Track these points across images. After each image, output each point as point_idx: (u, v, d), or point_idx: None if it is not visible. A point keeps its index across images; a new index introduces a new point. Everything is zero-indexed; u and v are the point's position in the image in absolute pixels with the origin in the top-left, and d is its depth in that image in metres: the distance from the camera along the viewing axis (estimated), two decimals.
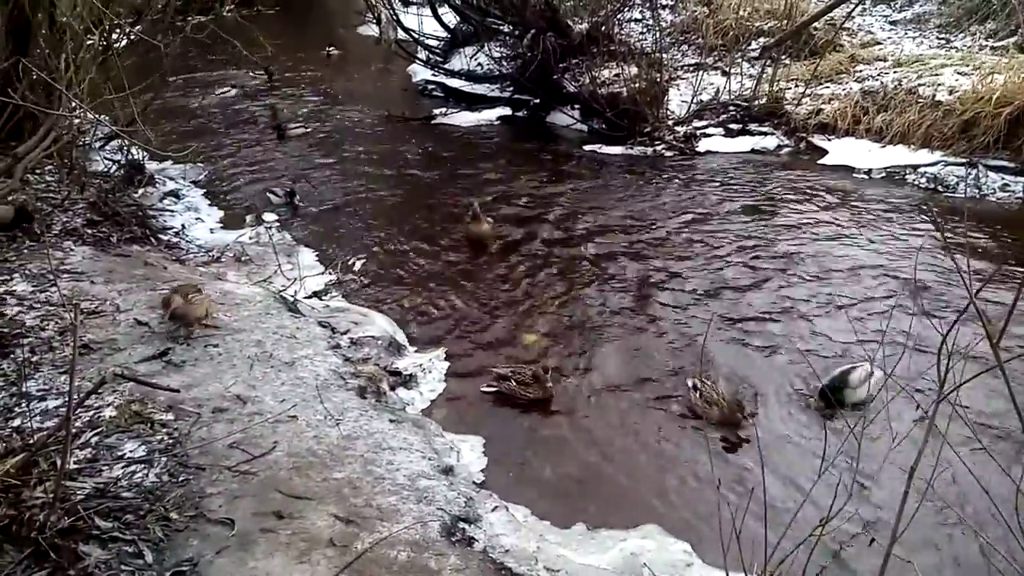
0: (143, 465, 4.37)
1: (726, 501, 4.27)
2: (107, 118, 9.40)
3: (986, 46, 13.08)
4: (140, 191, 9.82)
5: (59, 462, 3.91)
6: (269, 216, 9.64)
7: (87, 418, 4.72)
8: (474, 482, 5.03)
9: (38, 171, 8.78)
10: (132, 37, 10.01)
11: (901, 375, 5.78)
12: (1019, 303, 2.80)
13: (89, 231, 7.85)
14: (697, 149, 12.07)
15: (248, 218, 9.62)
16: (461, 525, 4.37)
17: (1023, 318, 6.53)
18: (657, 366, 6.51)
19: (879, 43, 14.25)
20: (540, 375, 5.94)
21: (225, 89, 15.98)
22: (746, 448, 5.49)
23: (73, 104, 7.41)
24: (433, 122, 14.27)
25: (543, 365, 6.06)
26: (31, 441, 4.32)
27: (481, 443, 5.53)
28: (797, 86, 12.67)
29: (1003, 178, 9.90)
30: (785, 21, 14.14)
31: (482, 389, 6.14)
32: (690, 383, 5.96)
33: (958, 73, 11.36)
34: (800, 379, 6.18)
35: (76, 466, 4.26)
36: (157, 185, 10.32)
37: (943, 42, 13.85)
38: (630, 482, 5.24)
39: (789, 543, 3.57)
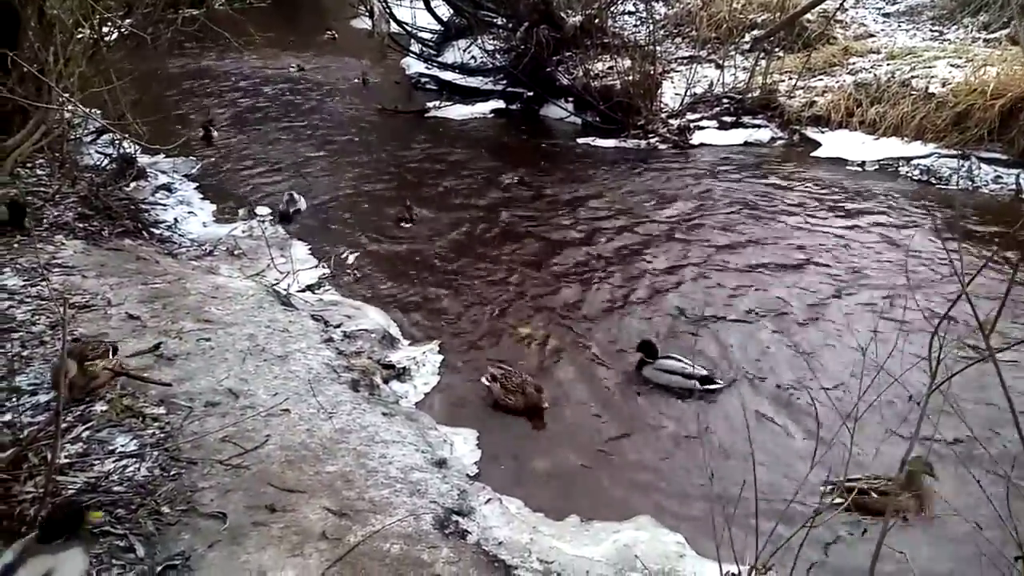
0: (134, 459, 4.35)
1: (719, 493, 4.28)
2: (98, 111, 9.34)
3: (979, 38, 13.11)
4: (132, 185, 9.75)
5: (50, 456, 3.90)
6: (262, 210, 9.60)
7: (78, 412, 4.70)
8: (467, 475, 5.02)
9: (29, 165, 8.73)
10: (123, 30, 9.94)
11: (892, 366, 5.82)
12: (1011, 294, 2.79)
13: (80, 225, 7.81)
14: (691, 142, 12.08)
15: (241, 212, 9.58)
16: (454, 518, 4.37)
17: (1015, 308, 6.58)
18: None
19: (872, 35, 14.27)
20: (527, 388, 5.74)
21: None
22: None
23: (63, 97, 7.36)
24: (426, 115, 14.23)
25: (537, 384, 5.80)
26: (21, 436, 4.30)
27: (475, 436, 5.52)
28: (790, 78, 12.67)
29: (996, 170, 9.93)
30: (778, 13, 14.13)
31: (482, 380, 6.06)
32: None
33: (951, 65, 11.38)
34: (797, 371, 6.19)
35: (67, 460, 4.24)
36: (149, 179, 10.26)
37: (936, 34, 13.88)
38: (623, 473, 5.25)
39: (782, 532, 3.58)
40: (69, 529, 3.17)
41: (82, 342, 5.00)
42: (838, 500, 4.41)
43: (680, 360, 6.09)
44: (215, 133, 12.28)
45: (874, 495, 4.68)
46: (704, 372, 6.06)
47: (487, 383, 5.97)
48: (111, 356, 4.94)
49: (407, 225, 9.22)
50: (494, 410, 5.88)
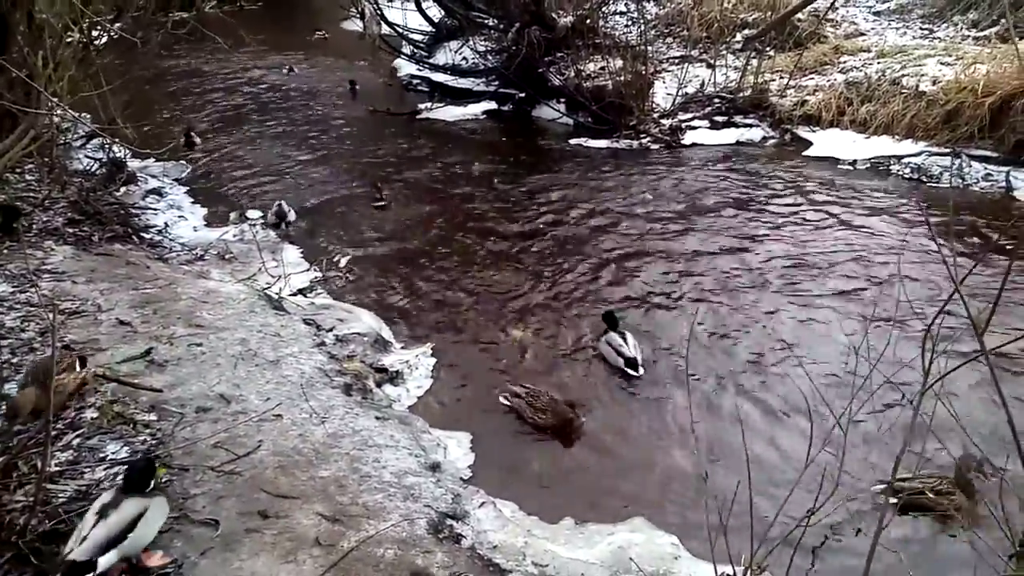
0: (126, 466, 4.32)
1: (713, 495, 4.27)
2: (87, 116, 9.29)
3: (968, 36, 13.16)
4: (122, 189, 9.72)
5: (40, 464, 3.86)
6: (253, 213, 9.56)
7: (68, 419, 4.66)
8: (461, 478, 5.01)
9: (18, 170, 8.67)
10: (112, 34, 9.88)
11: (885, 365, 5.82)
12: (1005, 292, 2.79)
13: (70, 230, 7.77)
14: (683, 141, 12.09)
15: (232, 215, 9.54)
16: (448, 522, 4.35)
17: (1007, 307, 6.59)
18: (645, 359, 6.51)
19: (863, 34, 14.31)
20: (557, 406, 5.58)
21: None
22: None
23: (52, 102, 7.31)
24: (418, 117, 14.21)
25: (568, 400, 5.67)
26: (11, 444, 4.26)
27: (468, 439, 5.50)
28: (781, 78, 12.69)
29: (986, 167, 9.96)
30: (769, 13, 14.15)
31: (500, 400, 5.91)
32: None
33: (941, 63, 11.42)
34: (789, 371, 6.19)
35: (57, 468, 4.21)
36: (139, 183, 10.22)
37: (926, 33, 13.93)
38: (617, 475, 5.24)
39: (776, 533, 3.57)
40: (148, 479, 3.59)
41: (44, 358, 4.73)
42: (892, 500, 4.43)
43: (624, 338, 6.35)
44: (197, 140, 12.15)
45: (930, 495, 4.68)
46: (631, 355, 6.24)
47: (507, 403, 5.82)
48: (79, 369, 4.76)
49: (381, 203, 9.71)
50: (523, 425, 5.77)
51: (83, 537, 3.35)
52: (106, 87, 7.80)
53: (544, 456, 5.45)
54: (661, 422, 5.78)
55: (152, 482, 3.60)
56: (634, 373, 6.21)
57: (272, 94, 15.57)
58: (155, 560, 3.66)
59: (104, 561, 3.34)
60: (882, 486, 4.79)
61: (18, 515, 3.72)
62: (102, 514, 3.42)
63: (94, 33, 9.64)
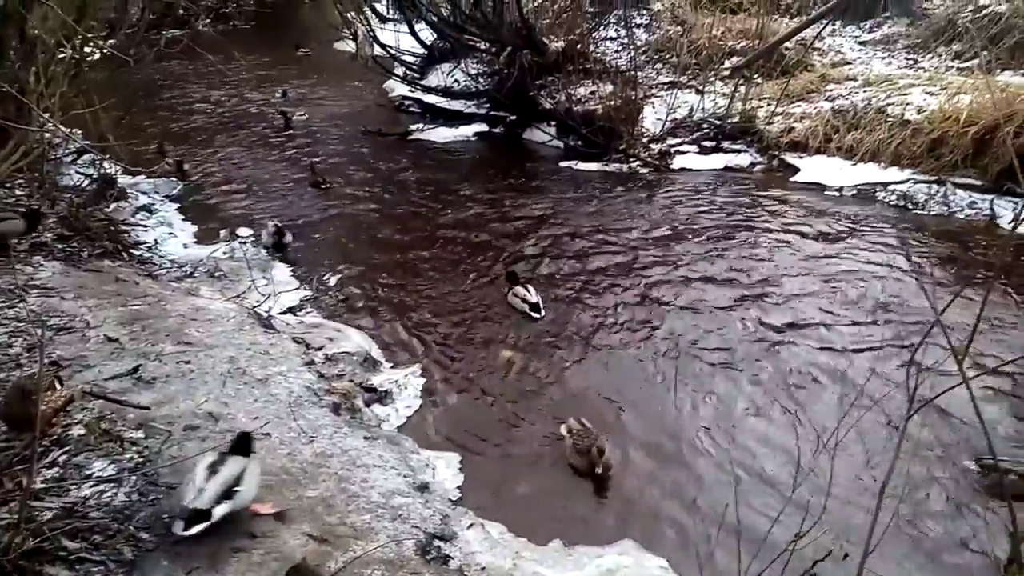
0: (112, 484, 4.28)
1: (702, 518, 4.29)
2: (78, 132, 9.29)
3: (952, 67, 13.39)
4: (112, 206, 9.71)
5: (24, 482, 3.83)
6: (243, 231, 9.56)
7: (55, 436, 4.63)
8: (450, 499, 4.99)
9: (7, 185, 8.64)
10: (105, 51, 9.92)
11: (871, 391, 5.88)
12: (994, 318, 2.84)
13: (59, 246, 7.75)
14: (671, 166, 12.21)
15: (222, 233, 9.53)
16: (436, 543, 4.34)
17: (990, 333, 6.67)
18: (630, 379, 6.54)
19: (849, 63, 14.54)
20: (592, 449, 5.29)
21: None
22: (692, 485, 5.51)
23: (43, 118, 7.32)
24: (410, 138, 14.30)
25: (600, 446, 5.31)
26: None
27: (457, 459, 5.49)
28: (769, 104, 12.85)
29: (971, 195, 10.10)
30: (757, 41, 14.36)
31: (560, 428, 5.71)
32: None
33: (926, 93, 11.60)
34: (778, 397, 6.22)
35: (43, 486, 4.16)
36: (129, 199, 10.21)
37: (911, 62, 14.16)
38: (607, 497, 5.24)
39: (764, 557, 3.58)
40: (249, 444, 4.17)
41: (23, 378, 4.60)
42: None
43: (527, 289, 7.64)
44: (186, 166, 11.68)
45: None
46: (534, 300, 7.54)
47: (564, 432, 5.64)
48: (58, 387, 4.62)
49: (325, 187, 10.66)
50: (486, 423, 5.85)
51: (200, 489, 3.86)
52: (98, 104, 7.81)
53: (533, 477, 5.44)
54: (652, 440, 5.78)
55: (251, 448, 4.15)
56: (536, 315, 7.50)
57: (262, 114, 15.60)
58: (266, 508, 4.17)
59: (219, 511, 3.82)
60: (983, 461, 5.02)
61: (2, 533, 3.67)
62: (212, 470, 3.92)
63: (86, 50, 9.68)
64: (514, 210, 10.50)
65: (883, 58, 14.67)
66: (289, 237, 9.10)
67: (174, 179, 11.27)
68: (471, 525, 4.65)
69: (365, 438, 5.28)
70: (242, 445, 4.14)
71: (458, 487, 5.21)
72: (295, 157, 12.93)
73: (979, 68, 12.01)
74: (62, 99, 8.15)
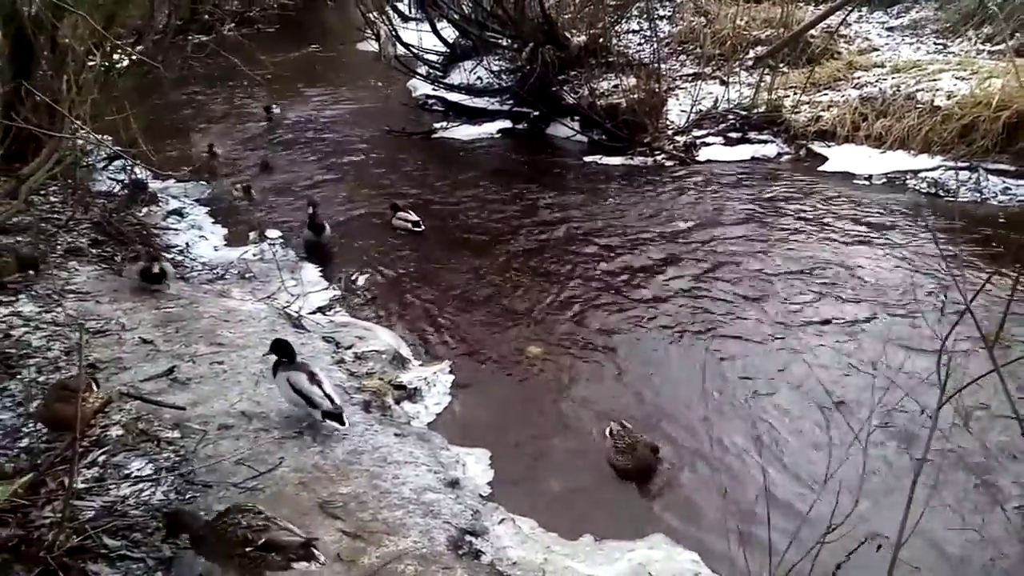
0: (150, 483, 4.39)
1: (733, 511, 4.28)
2: (109, 138, 9.46)
3: (983, 51, 13.15)
4: (144, 210, 9.87)
5: (67, 481, 3.93)
6: (272, 233, 9.68)
7: (94, 437, 4.74)
8: (480, 495, 5.03)
9: (42, 192, 8.84)
10: (133, 57, 10.09)
11: (903, 381, 5.81)
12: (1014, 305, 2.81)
13: (94, 251, 7.91)
14: (697, 158, 12.12)
15: (252, 235, 9.65)
16: (468, 538, 4.38)
17: (1021, 318, 6.56)
18: (663, 377, 6.53)
19: (876, 50, 14.34)
20: (638, 447, 5.28)
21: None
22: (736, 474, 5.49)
23: (75, 125, 7.47)
24: (434, 136, 14.34)
25: (652, 443, 5.33)
26: (39, 461, 4.34)
27: (487, 455, 5.52)
28: (795, 93, 12.72)
29: (1004, 181, 9.93)
30: (782, 30, 14.22)
31: (605, 431, 5.66)
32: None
33: (956, 78, 11.41)
34: (808, 388, 6.18)
35: (84, 485, 4.28)
36: (160, 204, 10.36)
37: (940, 48, 13.93)
38: (637, 491, 5.24)
39: (796, 550, 3.57)
40: (292, 357, 5.17)
41: (62, 381, 4.80)
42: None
43: (407, 212, 9.44)
44: (255, 195, 11.05)
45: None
46: (415, 219, 9.37)
47: (608, 435, 5.59)
48: (96, 389, 4.74)
49: (257, 197, 10.84)
50: (516, 419, 5.87)
51: (327, 395, 4.95)
52: (128, 110, 7.94)
53: (564, 472, 5.45)
54: (677, 437, 5.77)
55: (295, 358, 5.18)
56: (418, 230, 9.23)
57: (289, 116, 15.73)
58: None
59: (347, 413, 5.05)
60: None
61: (46, 531, 3.79)
62: (314, 381, 4.97)
63: (115, 56, 9.84)
64: (539, 207, 10.50)
65: (911, 43, 14.45)
66: (328, 229, 9.18)
67: (203, 182, 11.40)
68: (502, 520, 4.68)
69: (396, 435, 5.34)
70: (286, 352, 5.14)
71: (488, 483, 5.24)
72: (320, 157, 13.02)
73: (1009, 51, 11.77)
74: (93, 106, 8.30)
